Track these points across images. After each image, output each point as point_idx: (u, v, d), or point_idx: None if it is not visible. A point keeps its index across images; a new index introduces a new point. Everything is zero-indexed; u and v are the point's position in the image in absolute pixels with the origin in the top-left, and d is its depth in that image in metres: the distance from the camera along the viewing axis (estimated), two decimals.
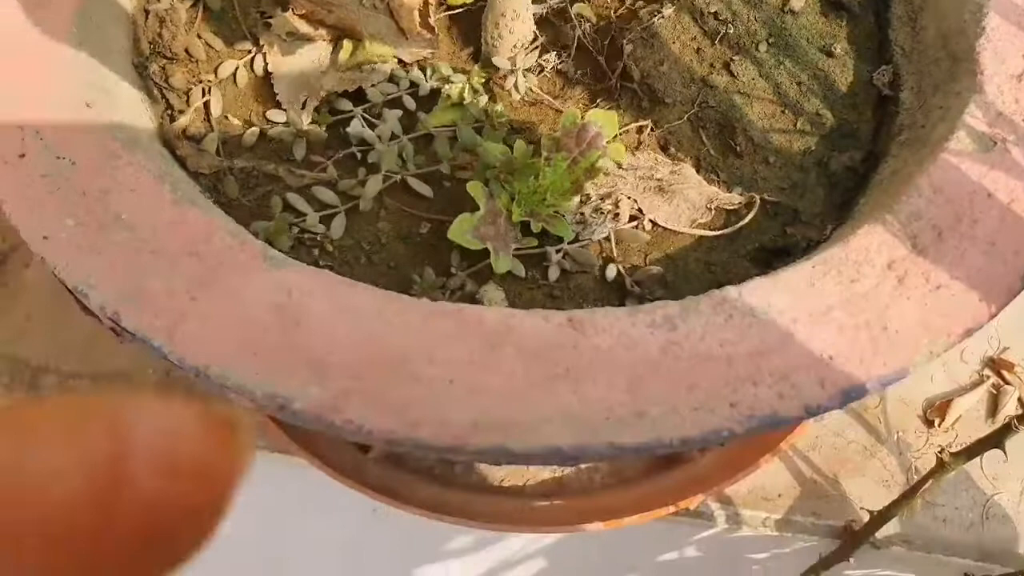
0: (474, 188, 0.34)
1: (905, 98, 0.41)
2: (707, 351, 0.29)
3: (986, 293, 0.31)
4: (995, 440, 0.43)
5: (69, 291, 0.30)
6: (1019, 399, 0.56)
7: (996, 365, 0.57)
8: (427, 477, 0.49)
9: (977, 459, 0.46)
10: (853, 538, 0.50)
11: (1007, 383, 0.56)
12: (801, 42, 0.43)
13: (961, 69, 0.38)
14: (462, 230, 0.33)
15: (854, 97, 0.42)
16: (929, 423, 0.55)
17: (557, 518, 0.48)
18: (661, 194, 0.37)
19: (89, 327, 0.39)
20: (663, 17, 0.43)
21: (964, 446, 0.46)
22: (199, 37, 0.40)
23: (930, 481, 0.46)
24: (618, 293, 0.35)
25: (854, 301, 0.31)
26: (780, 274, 0.31)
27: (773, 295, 0.31)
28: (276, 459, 0.52)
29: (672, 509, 0.47)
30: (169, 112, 0.38)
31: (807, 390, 0.29)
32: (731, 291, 0.31)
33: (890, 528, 0.52)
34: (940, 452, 0.46)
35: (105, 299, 0.29)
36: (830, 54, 0.42)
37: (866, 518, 0.50)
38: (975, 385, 0.56)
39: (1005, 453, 0.44)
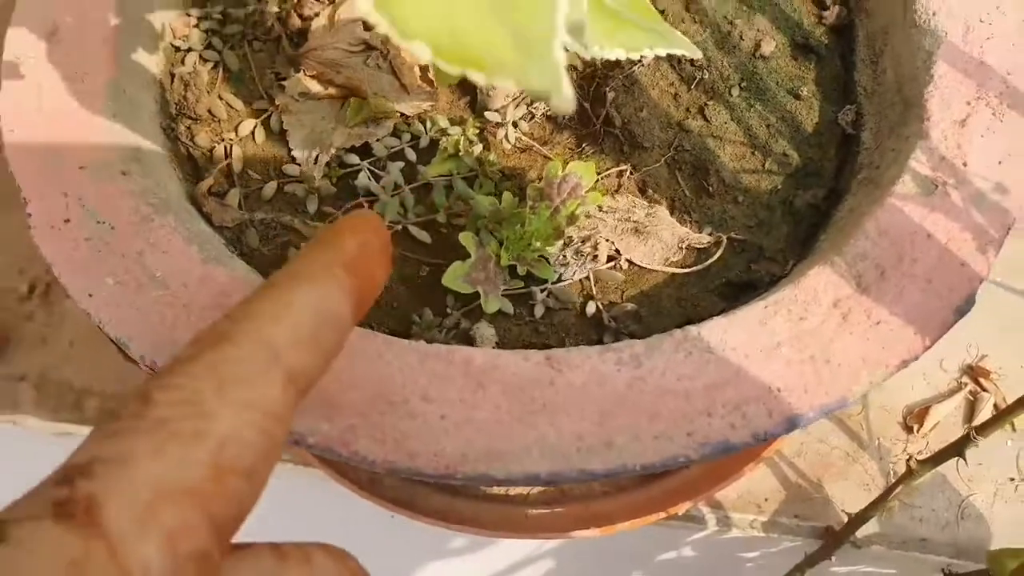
0: (465, 239, 0.38)
1: (865, 138, 0.45)
2: (668, 385, 0.33)
3: (921, 327, 0.35)
4: (956, 449, 0.47)
5: (111, 341, 0.34)
6: (994, 405, 0.59)
7: (974, 373, 0.60)
8: (439, 488, 0.54)
9: (953, 463, 0.49)
10: (834, 538, 0.53)
11: (984, 390, 0.59)
12: (771, 85, 0.46)
13: (911, 114, 0.41)
14: (455, 276, 0.37)
15: (819, 137, 0.45)
16: (909, 429, 0.58)
17: (557, 525, 0.52)
18: (637, 235, 0.41)
19: None
20: (643, 65, 0.46)
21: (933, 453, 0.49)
22: (220, 98, 0.45)
23: (900, 486, 0.50)
24: (596, 328, 0.39)
25: (801, 337, 0.35)
26: (735, 313, 0.35)
27: (728, 333, 0.35)
28: (300, 471, 0.57)
29: (662, 515, 0.51)
30: (195, 170, 0.43)
31: (756, 419, 0.33)
32: (691, 330, 0.35)
33: (870, 528, 0.55)
34: (908, 459, 0.50)
35: (143, 350, 0.33)
36: (798, 96, 0.46)
37: (846, 520, 0.53)
38: (953, 392, 0.59)
39: (966, 461, 0.47)
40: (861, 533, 0.55)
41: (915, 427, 0.58)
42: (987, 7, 0.43)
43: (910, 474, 0.49)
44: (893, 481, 0.55)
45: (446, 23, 0.19)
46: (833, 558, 0.54)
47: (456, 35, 0.19)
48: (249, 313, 0.24)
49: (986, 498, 0.56)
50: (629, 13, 0.31)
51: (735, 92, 0.46)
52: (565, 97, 0.19)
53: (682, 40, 0.33)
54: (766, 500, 0.56)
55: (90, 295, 0.35)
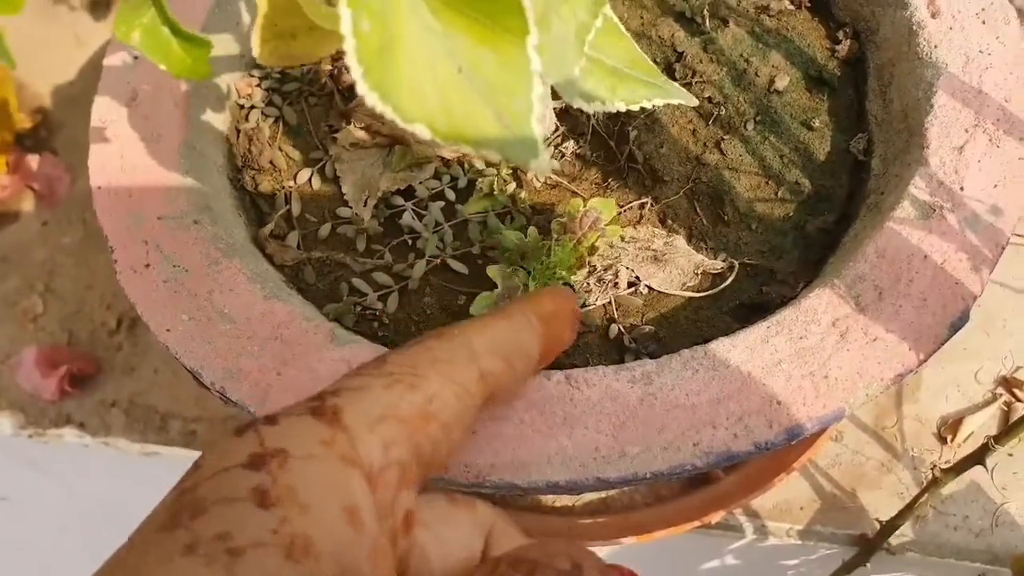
0: (492, 272, 0.42)
1: (875, 165, 0.47)
2: (676, 400, 0.37)
3: (915, 343, 0.38)
4: (977, 458, 0.49)
5: (187, 370, 0.39)
6: None
7: (1008, 384, 0.62)
8: (490, 500, 0.57)
9: (987, 471, 0.51)
10: (867, 546, 0.56)
11: (1019, 400, 0.61)
12: (785, 118, 0.49)
13: (913, 142, 0.44)
14: (481, 307, 0.42)
15: (831, 165, 0.48)
16: (943, 440, 0.60)
17: (599, 533, 0.55)
18: (656, 263, 0.44)
19: None
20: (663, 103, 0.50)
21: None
22: (280, 149, 0.50)
23: (926, 494, 0.52)
24: (618, 349, 0.43)
25: (801, 355, 0.38)
26: (740, 334, 0.38)
27: (732, 352, 0.38)
28: None
29: (696, 524, 0.54)
30: (258, 215, 0.48)
31: (757, 431, 0.36)
32: (698, 349, 0.38)
33: (905, 535, 0.57)
34: (933, 468, 0.52)
35: (214, 377, 0.38)
36: (810, 127, 0.49)
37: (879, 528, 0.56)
38: (988, 403, 0.61)
39: (987, 468, 0.49)
40: (896, 540, 0.57)
41: (949, 438, 0.60)
42: (987, 38, 0.45)
43: (935, 483, 0.51)
44: None
45: (440, 107, 0.23)
46: (869, 565, 0.56)
47: (449, 117, 0.23)
48: (462, 327, 0.32)
49: (1020, 506, 0.58)
50: (629, 69, 0.35)
51: (750, 126, 0.49)
52: (542, 163, 0.23)
53: (679, 91, 0.37)
54: (801, 509, 0.58)
55: (168, 330, 0.40)
